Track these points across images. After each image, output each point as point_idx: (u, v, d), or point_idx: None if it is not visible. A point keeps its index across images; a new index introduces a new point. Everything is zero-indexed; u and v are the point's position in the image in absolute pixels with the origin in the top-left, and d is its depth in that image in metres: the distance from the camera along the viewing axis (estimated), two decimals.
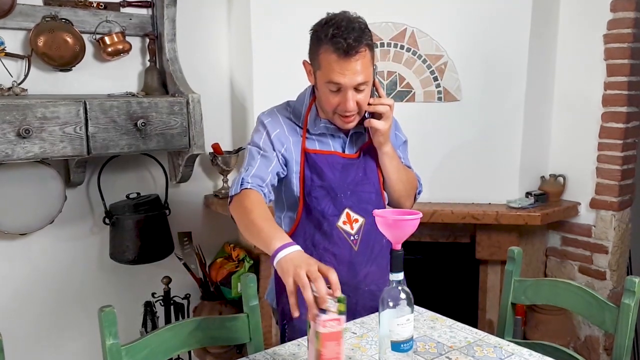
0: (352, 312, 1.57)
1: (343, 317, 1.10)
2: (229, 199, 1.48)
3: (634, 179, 2.61)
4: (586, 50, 2.53)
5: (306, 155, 1.54)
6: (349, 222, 1.55)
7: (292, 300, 1.13)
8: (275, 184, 1.54)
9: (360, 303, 1.59)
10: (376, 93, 1.51)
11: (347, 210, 1.54)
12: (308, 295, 1.09)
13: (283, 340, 1.61)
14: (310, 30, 1.46)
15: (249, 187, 1.43)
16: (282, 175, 1.55)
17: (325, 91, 1.45)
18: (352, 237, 1.55)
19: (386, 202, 1.63)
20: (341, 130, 1.56)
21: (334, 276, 1.12)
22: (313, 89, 1.58)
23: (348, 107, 1.43)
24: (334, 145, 1.56)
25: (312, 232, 1.55)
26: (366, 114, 1.51)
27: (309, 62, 1.50)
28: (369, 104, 1.48)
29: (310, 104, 1.57)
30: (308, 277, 1.11)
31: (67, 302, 2.52)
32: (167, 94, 2.50)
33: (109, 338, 1.25)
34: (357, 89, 1.42)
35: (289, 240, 1.23)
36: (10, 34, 2.24)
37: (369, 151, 1.58)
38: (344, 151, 1.57)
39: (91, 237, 2.56)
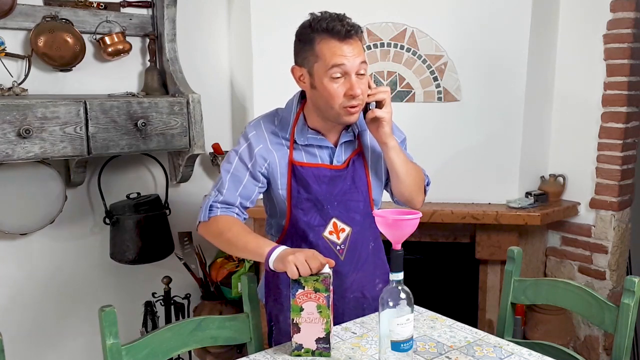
0: (339, 321, 1.56)
1: (320, 294, 1.30)
2: (197, 223, 1.56)
3: (633, 179, 2.62)
4: (586, 50, 2.53)
5: (293, 167, 1.52)
6: (336, 232, 1.54)
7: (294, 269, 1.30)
8: (248, 205, 1.55)
9: (346, 313, 1.59)
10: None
11: (333, 219, 1.53)
12: (306, 270, 1.29)
13: (270, 340, 1.62)
14: (296, 34, 1.47)
15: (218, 213, 1.51)
16: (260, 191, 1.56)
17: (328, 84, 1.42)
18: (338, 247, 1.55)
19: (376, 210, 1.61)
20: (330, 141, 1.55)
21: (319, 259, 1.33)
22: (301, 96, 1.57)
23: (356, 91, 1.41)
24: (321, 156, 1.54)
25: (299, 243, 1.54)
26: (370, 106, 1.50)
27: (299, 65, 1.48)
28: (368, 95, 1.48)
29: (298, 113, 1.55)
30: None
31: (67, 302, 2.52)
32: (167, 94, 2.50)
33: (109, 338, 1.26)
34: (357, 73, 1.42)
35: (275, 244, 1.39)
36: (10, 34, 2.24)
37: (358, 160, 1.57)
38: (331, 162, 1.54)
39: (91, 237, 2.56)
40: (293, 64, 1.51)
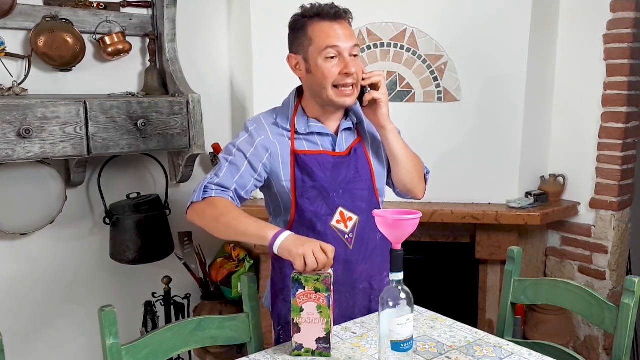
0: (350, 314, 1.57)
1: (320, 294, 1.30)
2: (188, 204, 1.51)
3: (633, 179, 2.62)
4: (586, 50, 2.53)
5: (296, 156, 1.53)
6: (343, 221, 1.54)
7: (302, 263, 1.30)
8: (242, 195, 1.52)
9: (357, 304, 1.59)
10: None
11: (340, 208, 1.54)
12: (313, 264, 1.28)
13: (278, 345, 1.60)
14: (289, 25, 1.52)
15: (213, 194, 1.47)
16: (256, 184, 1.54)
17: (322, 65, 1.46)
18: (346, 236, 1.54)
19: (381, 200, 1.62)
20: (330, 129, 1.56)
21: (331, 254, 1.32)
22: (297, 92, 1.59)
23: (351, 69, 1.45)
24: (323, 144, 1.55)
25: (306, 234, 1.51)
26: (365, 90, 1.52)
27: (294, 53, 1.52)
28: (363, 79, 1.51)
29: (296, 106, 1.57)
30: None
31: (67, 301, 2.52)
32: (167, 94, 2.50)
33: (109, 338, 1.26)
34: (351, 54, 1.47)
35: (279, 228, 1.38)
36: (10, 34, 2.24)
37: (360, 148, 1.58)
38: (333, 150, 1.56)
39: (91, 237, 2.56)
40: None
